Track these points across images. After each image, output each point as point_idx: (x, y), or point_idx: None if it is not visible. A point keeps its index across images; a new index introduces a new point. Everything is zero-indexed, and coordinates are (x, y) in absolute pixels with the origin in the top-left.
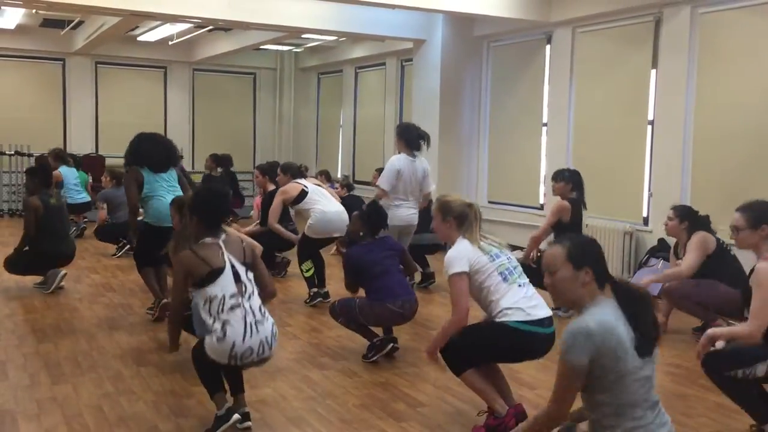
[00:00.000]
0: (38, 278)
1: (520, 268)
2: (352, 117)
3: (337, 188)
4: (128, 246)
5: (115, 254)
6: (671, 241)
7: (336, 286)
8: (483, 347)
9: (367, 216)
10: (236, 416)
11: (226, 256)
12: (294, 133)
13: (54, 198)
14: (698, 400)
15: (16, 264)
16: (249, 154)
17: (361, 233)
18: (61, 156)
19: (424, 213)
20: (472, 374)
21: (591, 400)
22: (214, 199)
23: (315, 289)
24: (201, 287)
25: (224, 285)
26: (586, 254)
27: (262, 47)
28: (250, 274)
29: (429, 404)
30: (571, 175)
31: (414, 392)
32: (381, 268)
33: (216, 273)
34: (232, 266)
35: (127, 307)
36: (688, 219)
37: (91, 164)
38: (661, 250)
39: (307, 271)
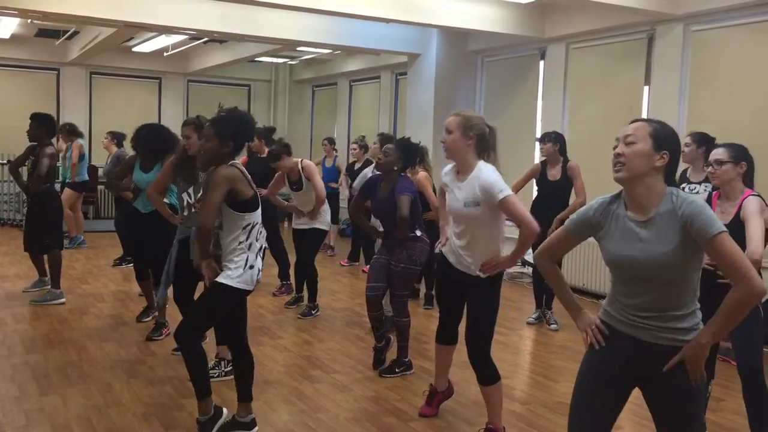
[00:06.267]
0: (28, 283)
1: None
2: (346, 129)
3: (354, 149)
4: (126, 260)
5: (114, 264)
6: None
7: (328, 299)
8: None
9: (405, 147)
10: (226, 411)
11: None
12: None
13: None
14: None
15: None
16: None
17: (396, 167)
18: (74, 130)
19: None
20: (498, 389)
21: None
22: (244, 122)
23: (300, 294)
24: (244, 211)
25: (259, 212)
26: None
27: (256, 59)
28: None
29: (420, 419)
30: (557, 137)
31: (405, 406)
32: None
33: (257, 198)
34: None
35: (117, 317)
36: (706, 144)
37: None
38: None
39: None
